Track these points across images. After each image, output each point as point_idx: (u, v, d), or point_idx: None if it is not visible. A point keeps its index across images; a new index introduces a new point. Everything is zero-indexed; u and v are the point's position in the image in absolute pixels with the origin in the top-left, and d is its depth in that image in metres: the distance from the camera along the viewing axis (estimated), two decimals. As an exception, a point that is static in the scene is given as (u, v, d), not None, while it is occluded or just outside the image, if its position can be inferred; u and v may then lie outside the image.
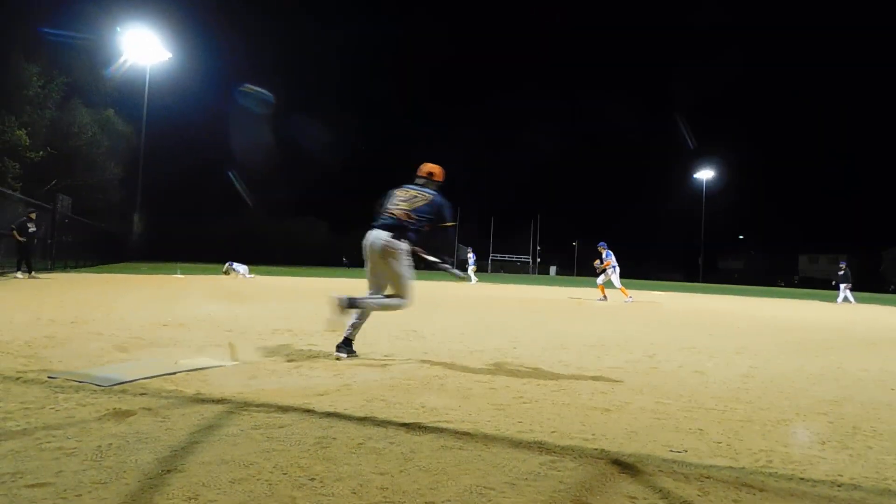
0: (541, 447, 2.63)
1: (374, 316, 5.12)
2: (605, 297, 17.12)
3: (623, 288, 16.97)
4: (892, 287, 65.14)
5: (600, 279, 17.13)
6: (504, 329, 7.59)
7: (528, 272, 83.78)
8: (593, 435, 2.88)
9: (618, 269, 16.91)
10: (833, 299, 24.97)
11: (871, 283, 61.97)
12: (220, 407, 3.08)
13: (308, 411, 3.08)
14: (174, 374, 3.88)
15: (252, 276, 23.10)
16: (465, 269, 26.33)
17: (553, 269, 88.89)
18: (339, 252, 61.45)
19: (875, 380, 4.90)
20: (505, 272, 77.20)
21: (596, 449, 2.65)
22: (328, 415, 3.03)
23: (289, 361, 4.56)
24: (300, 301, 11.32)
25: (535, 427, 2.97)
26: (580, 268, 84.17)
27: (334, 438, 2.61)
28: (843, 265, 24.02)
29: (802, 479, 2.37)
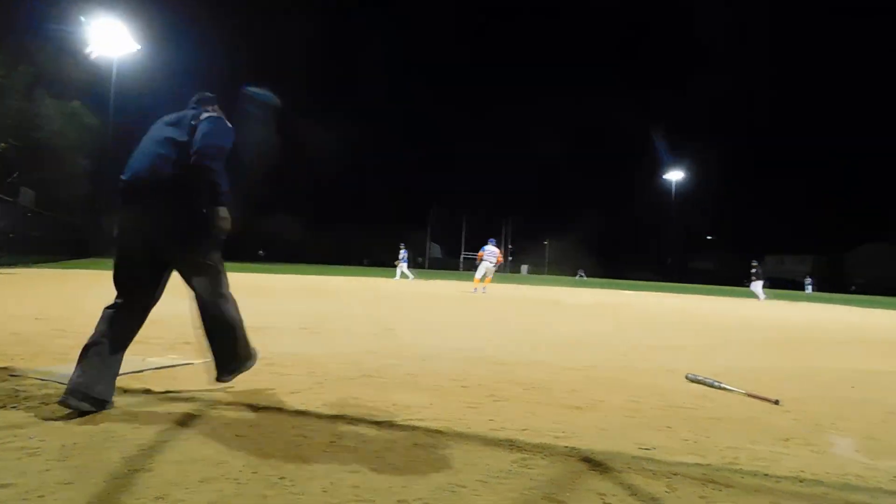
0: (512, 445, 2.64)
1: (349, 315, 5.09)
2: (481, 289, 18.04)
3: (478, 280, 18.05)
4: (853, 287, 66.88)
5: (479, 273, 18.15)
6: (478, 328, 7.61)
7: (499, 271, 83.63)
8: (564, 433, 2.90)
9: (488, 264, 17.81)
10: (798, 299, 25.55)
11: (834, 283, 63.73)
12: (189, 405, 3.03)
13: (279, 409, 3.06)
14: (142, 371, 3.82)
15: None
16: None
17: (524, 269, 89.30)
18: (316, 248, 60.85)
19: (839, 378, 5.02)
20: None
21: (567, 447, 2.67)
22: (300, 413, 3.00)
23: (261, 359, 4.51)
24: (273, 299, 11.22)
25: (507, 425, 2.99)
26: (552, 267, 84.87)
27: (306, 437, 2.59)
28: (755, 264, 24.94)
29: (767, 475, 2.42)
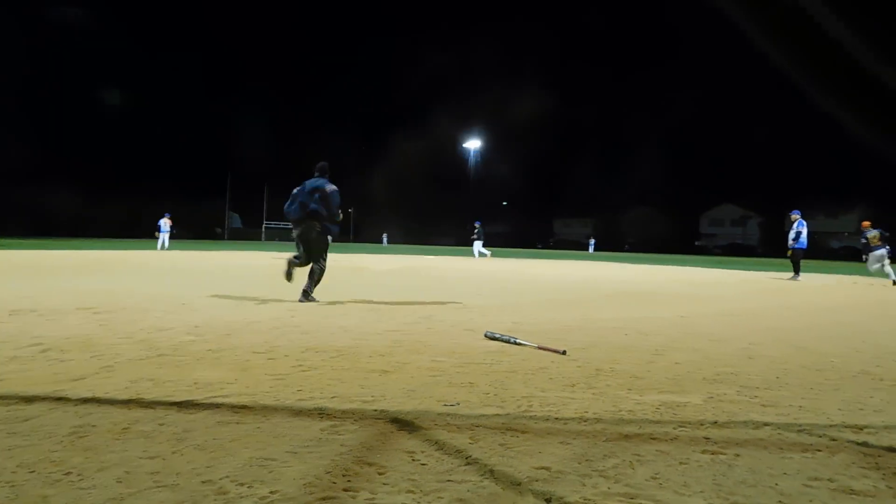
0: (322, 413, 2.66)
1: (139, 292, 4.71)
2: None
3: None
4: (627, 246, 76.10)
5: None
6: (282, 298, 7.44)
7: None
8: (373, 397, 2.98)
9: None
10: (582, 259, 28.37)
11: (611, 243, 72.02)
12: (-57, 404, 2.63)
13: (61, 399, 2.76)
14: None
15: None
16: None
17: (330, 238, 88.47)
18: (102, 221, 54.39)
19: (613, 327, 5.69)
20: (280, 240, 75.14)
21: (376, 410, 2.75)
22: (86, 401, 2.74)
23: (34, 345, 4.02)
24: (49, 277, 9.98)
25: (315, 394, 2.99)
26: (358, 233, 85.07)
27: (94, 426, 2.38)
28: (477, 225, 27.13)
29: (557, 418, 2.71)
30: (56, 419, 2.46)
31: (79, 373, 3.29)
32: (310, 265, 7.23)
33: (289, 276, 7.19)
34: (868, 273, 16.82)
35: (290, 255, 7.38)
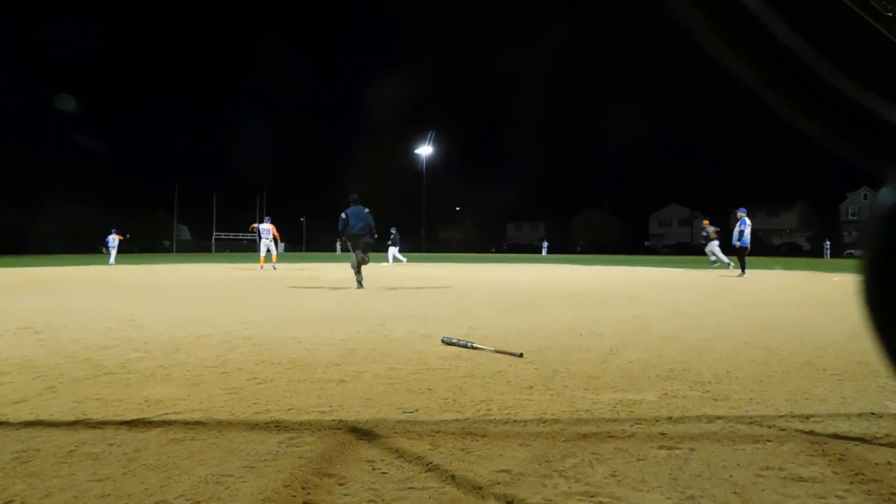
0: (278, 426, 2.61)
1: (80, 309, 4.54)
2: (262, 267, 20.30)
3: (263, 258, 20.56)
4: (579, 248, 77.49)
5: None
6: (234, 310, 7.29)
7: (255, 250, 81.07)
8: (330, 407, 2.94)
9: (266, 240, 20.33)
10: (535, 262, 28.71)
11: (563, 245, 73.28)
12: None
13: (1, 424, 2.63)
14: None
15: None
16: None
17: (281, 247, 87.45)
18: (37, 235, 52.04)
19: (568, 329, 5.76)
20: (231, 251, 73.76)
21: (334, 420, 2.71)
22: (28, 424, 2.62)
23: (-32, 368, 3.83)
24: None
25: (271, 407, 2.94)
26: (309, 244, 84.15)
27: (38, 450, 2.27)
28: (393, 231, 27.75)
29: (516, 420, 2.72)
30: (-4, 445, 2.34)
31: (19, 395, 3.15)
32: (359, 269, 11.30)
33: (360, 283, 11.21)
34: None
35: (352, 273, 11.34)
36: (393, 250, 27.66)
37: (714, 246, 20.46)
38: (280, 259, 25.66)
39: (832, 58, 0.42)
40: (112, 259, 25.87)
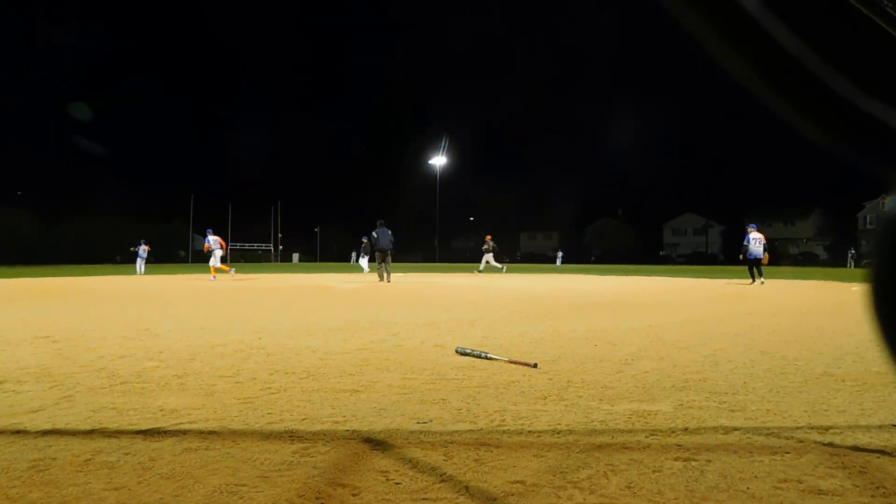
0: (292, 436, 2.61)
1: (97, 318, 4.57)
2: (214, 277, 21.32)
3: (213, 268, 21.73)
4: (593, 258, 77.35)
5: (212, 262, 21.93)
6: (247, 319, 7.33)
7: (270, 260, 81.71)
8: (344, 417, 2.94)
9: (219, 253, 21.78)
10: (549, 272, 28.68)
11: (577, 255, 73.34)
12: None
13: (18, 432, 2.66)
14: None
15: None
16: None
17: (296, 256, 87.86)
18: (56, 246, 52.51)
19: (582, 338, 5.73)
20: (245, 261, 74.16)
21: (347, 430, 2.71)
22: (45, 433, 2.64)
23: (-13, 377, 3.87)
24: (2, 306, 9.66)
25: (284, 416, 2.94)
26: (323, 254, 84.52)
27: (55, 459, 2.29)
28: (364, 239, 27.81)
29: (530, 431, 2.70)
30: (13, 453, 2.36)
31: (37, 404, 3.17)
32: (384, 271, 18.43)
33: (385, 279, 17.84)
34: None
35: (375, 277, 15.58)
36: (363, 260, 28.68)
37: (490, 257, 26.86)
38: (292, 268, 26.62)
39: (832, 59, 0.42)
40: (141, 269, 26.08)
